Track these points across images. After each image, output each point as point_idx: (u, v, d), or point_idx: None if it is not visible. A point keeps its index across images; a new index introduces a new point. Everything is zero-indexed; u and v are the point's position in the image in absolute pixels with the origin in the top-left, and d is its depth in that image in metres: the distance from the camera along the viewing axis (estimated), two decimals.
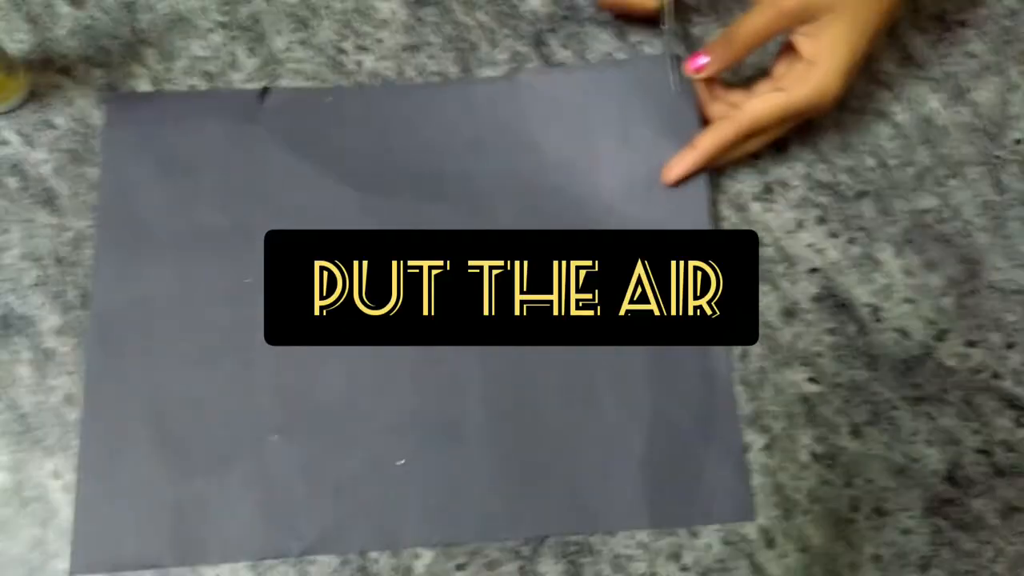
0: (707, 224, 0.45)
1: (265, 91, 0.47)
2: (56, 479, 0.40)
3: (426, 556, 0.40)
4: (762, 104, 0.42)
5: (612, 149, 0.46)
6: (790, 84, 0.42)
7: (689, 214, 0.45)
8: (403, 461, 0.40)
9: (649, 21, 0.48)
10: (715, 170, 0.46)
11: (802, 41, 0.42)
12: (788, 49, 0.44)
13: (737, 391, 0.43)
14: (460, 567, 0.40)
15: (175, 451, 0.40)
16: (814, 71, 0.41)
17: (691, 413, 0.42)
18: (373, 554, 0.39)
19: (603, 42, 0.50)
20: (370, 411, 0.41)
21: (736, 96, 0.45)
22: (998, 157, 0.48)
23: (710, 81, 0.45)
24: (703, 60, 0.43)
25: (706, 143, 0.43)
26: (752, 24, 0.42)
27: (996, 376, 0.44)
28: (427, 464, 0.41)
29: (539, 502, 0.40)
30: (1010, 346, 0.44)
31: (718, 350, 0.43)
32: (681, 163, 0.44)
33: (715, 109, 0.45)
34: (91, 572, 0.38)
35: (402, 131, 0.47)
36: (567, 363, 0.42)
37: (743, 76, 0.48)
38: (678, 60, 0.46)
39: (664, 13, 0.46)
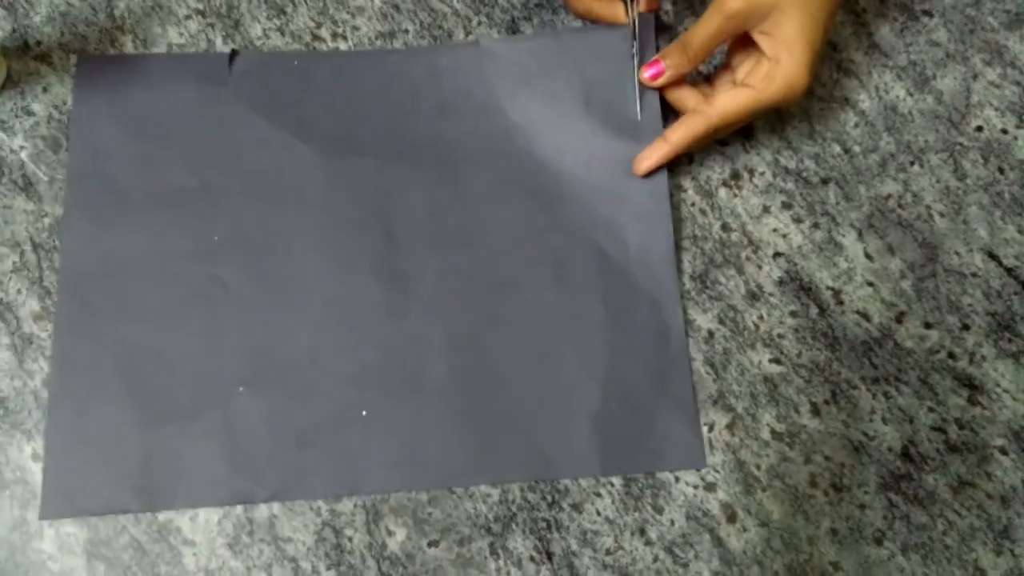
0: (665, 186, 0.46)
1: (234, 54, 0.48)
2: (36, 461, 0.41)
3: (399, 533, 0.41)
4: (732, 100, 0.43)
5: (574, 113, 0.47)
6: (757, 82, 0.43)
7: (649, 177, 0.46)
8: (365, 412, 0.42)
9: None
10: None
11: (761, 39, 0.43)
12: (746, 43, 0.45)
13: (702, 371, 0.44)
14: (432, 543, 0.41)
15: (143, 401, 0.41)
16: (779, 69, 0.42)
17: (645, 366, 0.44)
18: (348, 531, 0.41)
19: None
20: (334, 365, 0.43)
21: (703, 88, 0.46)
22: (960, 144, 0.50)
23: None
24: (659, 68, 0.44)
25: (677, 136, 0.45)
26: (702, 31, 0.43)
27: (952, 356, 0.45)
28: (390, 414, 0.42)
29: (498, 451, 0.42)
30: (965, 328, 0.46)
31: (672, 306, 0.45)
32: (653, 155, 0.45)
33: (681, 94, 0.46)
34: (59, 516, 0.39)
35: (369, 96, 0.48)
36: (527, 320, 0.44)
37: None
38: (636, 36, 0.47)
39: (632, 23, 0.47)
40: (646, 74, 0.45)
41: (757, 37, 0.43)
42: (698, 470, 0.43)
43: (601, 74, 0.48)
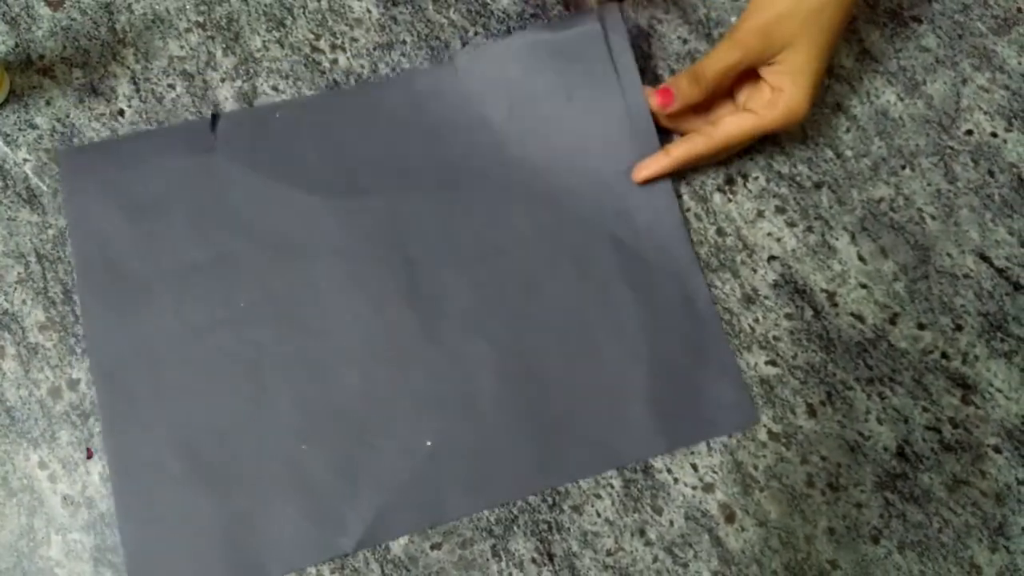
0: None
1: (215, 118, 0.48)
2: (43, 469, 0.41)
3: (402, 537, 0.41)
4: (736, 125, 0.44)
5: (559, 110, 0.48)
6: (760, 108, 0.44)
7: (645, 153, 0.47)
8: (430, 442, 0.42)
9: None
10: None
11: (764, 69, 0.44)
12: (749, 73, 0.46)
13: None
14: (435, 546, 0.41)
15: (210, 479, 0.41)
16: (782, 97, 0.44)
17: (682, 339, 0.45)
18: None
19: None
20: (388, 401, 0.43)
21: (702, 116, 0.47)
22: (950, 148, 0.51)
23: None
24: (670, 97, 0.45)
25: (679, 153, 0.45)
26: (716, 64, 0.44)
27: (945, 357, 0.46)
28: (453, 439, 0.42)
29: (564, 451, 0.43)
30: (958, 328, 0.47)
31: (693, 275, 0.46)
32: (652, 166, 0.46)
33: (677, 114, 0.47)
34: None
35: (356, 134, 0.48)
36: (561, 319, 0.45)
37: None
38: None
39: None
40: (656, 101, 0.46)
41: (761, 69, 0.44)
42: (747, 430, 0.44)
43: (578, 68, 0.48)
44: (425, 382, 0.43)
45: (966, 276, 0.48)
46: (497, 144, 0.48)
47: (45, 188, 0.46)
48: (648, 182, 0.47)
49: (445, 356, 0.44)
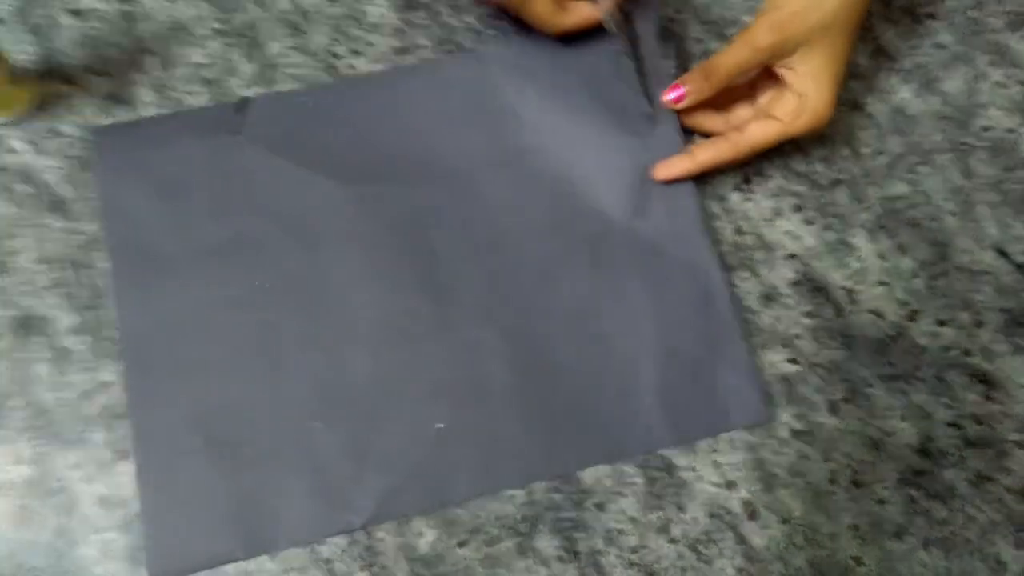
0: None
1: (244, 102, 0.49)
2: (77, 470, 0.42)
3: (429, 534, 0.42)
4: (762, 132, 0.45)
5: (581, 102, 0.49)
6: (785, 115, 0.44)
7: (666, 149, 0.48)
8: (441, 425, 0.43)
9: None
10: None
11: (786, 74, 0.44)
12: (769, 75, 0.46)
13: None
14: (461, 544, 0.42)
15: (226, 454, 0.42)
16: (806, 103, 0.44)
17: (695, 332, 0.45)
18: (379, 533, 0.42)
19: None
20: (400, 385, 0.44)
21: (716, 99, 0.47)
22: (966, 144, 0.51)
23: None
24: (680, 92, 0.46)
25: (704, 158, 0.46)
26: (729, 60, 0.44)
27: (966, 353, 0.46)
28: (463, 423, 0.43)
29: (572, 439, 0.43)
30: (979, 324, 0.47)
31: (712, 271, 0.46)
32: (675, 167, 0.46)
33: (696, 114, 0.47)
34: None
35: (381, 120, 0.49)
36: (573, 309, 0.45)
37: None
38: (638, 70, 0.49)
39: (608, 25, 0.48)
40: (668, 96, 0.46)
41: (781, 71, 0.44)
42: (761, 424, 0.44)
43: (602, 62, 0.49)
44: (437, 367, 0.44)
45: (985, 272, 0.48)
46: (519, 134, 0.48)
47: (72, 195, 0.46)
48: (669, 182, 0.47)
49: (458, 343, 0.44)
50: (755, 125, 0.45)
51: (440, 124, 0.49)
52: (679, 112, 0.47)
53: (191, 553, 0.41)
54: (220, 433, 0.42)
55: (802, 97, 0.44)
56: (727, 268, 0.47)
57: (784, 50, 0.43)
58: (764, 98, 0.46)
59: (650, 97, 0.48)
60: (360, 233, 0.46)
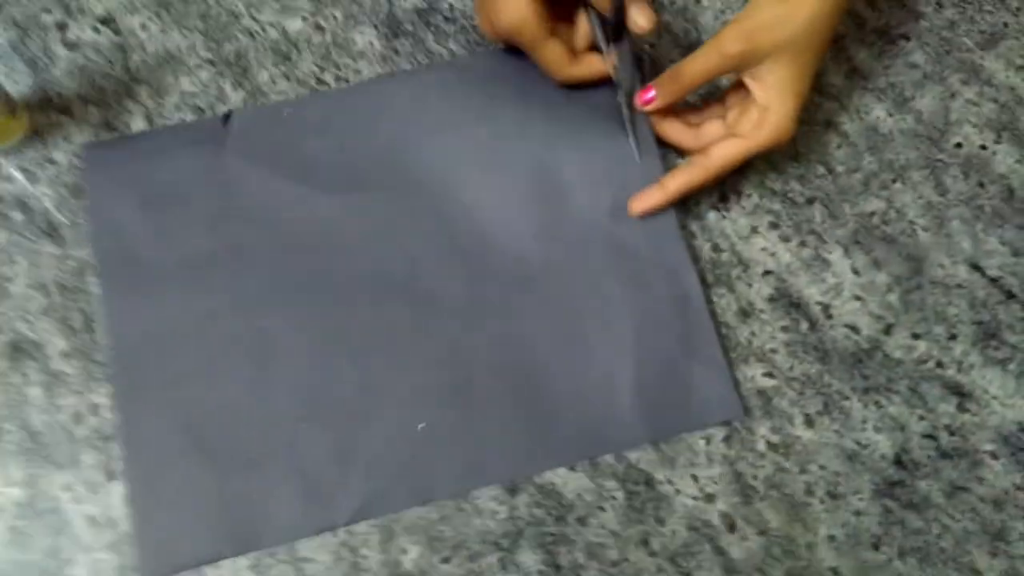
0: (659, 163, 0.49)
1: (228, 115, 0.50)
2: (67, 491, 0.43)
3: (413, 551, 0.43)
4: (727, 151, 0.46)
5: (561, 111, 0.50)
6: (748, 131, 0.45)
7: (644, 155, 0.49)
8: (423, 425, 0.44)
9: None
10: None
11: (751, 84, 0.45)
12: (739, 85, 0.47)
13: None
14: (445, 560, 0.43)
15: (214, 456, 0.43)
16: (769, 117, 0.45)
17: (671, 333, 0.46)
18: (364, 550, 0.43)
19: None
20: (384, 388, 0.45)
21: (690, 116, 0.49)
22: (940, 161, 0.52)
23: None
24: (651, 94, 0.47)
25: (674, 186, 0.47)
26: (697, 66, 0.45)
27: (940, 365, 0.47)
28: (445, 424, 0.44)
29: (552, 438, 0.44)
30: (952, 337, 0.48)
31: (688, 275, 0.47)
32: (649, 200, 0.48)
33: (667, 126, 0.48)
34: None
35: (360, 128, 0.50)
36: (552, 312, 0.47)
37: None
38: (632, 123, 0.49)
39: (616, 81, 0.48)
40: (640, 99, 0.47)
41: (748, 81, 0.45)
42: (735, 422, 0.45)
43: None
44: (419, 370, 0.45)
45: (959, 286, 0.49)
46: (499, 140, 0.49)
47: (65, 221, 0.48)
48: (645, 215, 0.48)
49: (439, 346, 0.46)
50: (718, 146, 0.46)
51: (419, 131, 0.50)
52: (651, 117, 0.48)
53: (180, 552, 0.42)
54: (208, 436, 0.43)
55: (764, 111, 0.45)
56: (706, 284, 0.48)
57: (751, 59, 0.44)
58: (731, 115, 0.47)
59: (634, 127, 0.49)
60: (343, 241, 0.48)
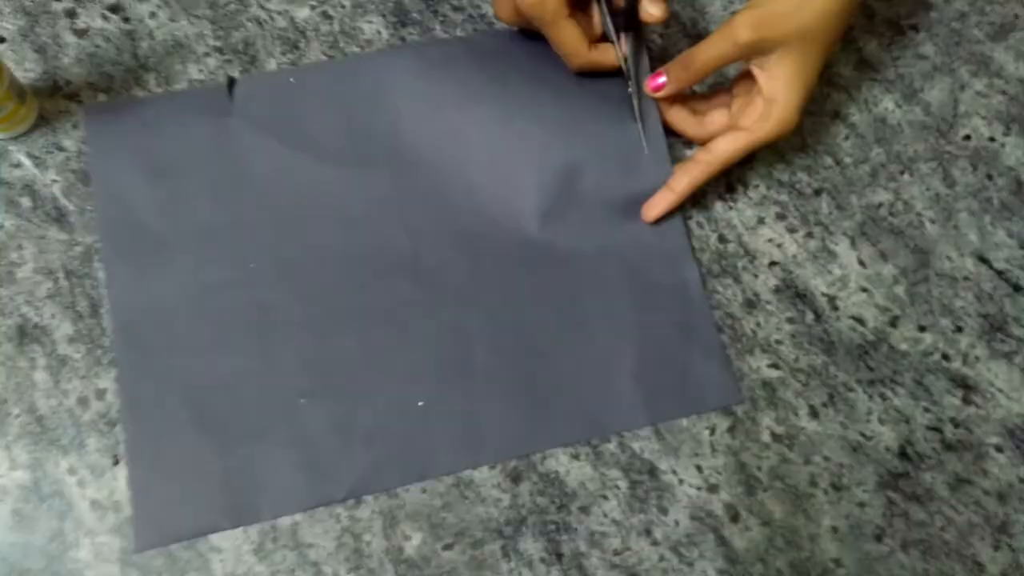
0: (665, 151, 0.49)
1: (232, 82, 0.50)
2: (72, 475, 0.43)
3: (415, 537, 0.43)
4: (730, 145, 0.46)
5: (566, 93, 0.49)
6: (752, 123, 0.45)
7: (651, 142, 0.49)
8: (423, 402, 0.44)
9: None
10: None
11: (759, 74, 0.45)
12: (746, 74, 0.47)
13: None
14: (447, 547, 0.43)
15: (214, 428, 0.43)
16: (774, 108, 0.44)
17: (671, 321, 0.47)
18: (367, 536, 0.43)
19: None
20: (384, 364, 0.45)
21: (695, 104, 0.49)
22: (948, 153, 0.52)
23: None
24: (661, 80, 0.47)
25: (682, 186, 0.47)
26: (708, 53, 0.45)
27: (946, 358, 0.47)
28: (445, 401, 0.45)
29: (551, 418, 0.45)
30: (958, 330, 0.47)
31: (688, 262, 0.48)
32: (660, 204, 0.48)
33: (673, 113, 0.48)
34: (154, 546, 0.42)
35: (366, 101, 0.50)
36: (553, 294, 0.47)
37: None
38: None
39: (626, 71, 0.48)
40: (649, 85, 0.47)
41: (756, 71, 0.45)
42: (732, 407, 0.45)
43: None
44: (420, 347, 0.45)
45: (966, 278, 0.49)
46: (506, 120, 0.49)
47: (72, 207, 0.48)
48: (660, 220, 0.48)
49: (440, 323, 0.46)
50: (721, 140, 0.46)
51: (425, 105, 0.50)
52: (659, 104, 0.48)
53: (177, 523, 0.42)
54: (208, 407, 0.44)
55: (770, 102, 0.44)
56: (712, 274, 0.48)
57: (763, 48, 0.44)
58: (736, 104, 0.47)
59: (643, 118, 0.49)
60: (346, 216, 0.48)
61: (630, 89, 0.48)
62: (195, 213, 0.47)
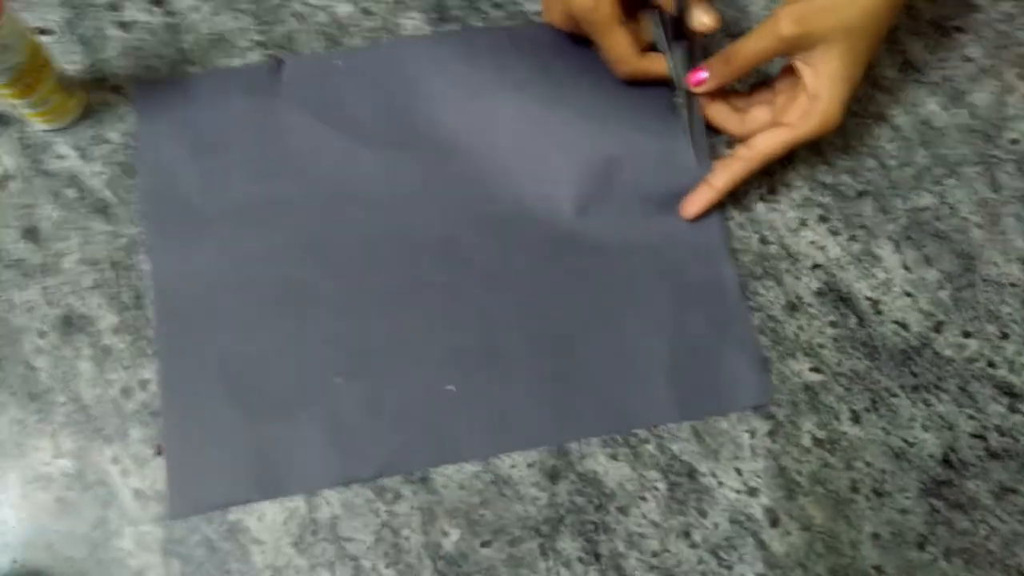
0: (706, 145, 0.48)
1: (279, 63, 0.51)
2: (115, 464, 0.43)
3: (454, 534, 0.43)
4: (772, 141, 0.45)
5: (615, 86, 0.49)
6: (794, 119, 0.45)
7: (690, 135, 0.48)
8: (453, 387, 0.45)
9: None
10: None
11: (803, 70, 0.44)
12: (789, 71, 0.46)
13: None
14: (485, 544, 0.43)
15: (249, 402, 0.44)
16: (817, 105, 0.44)
17: (706, 318, 0.46)
18: (405, 531, 0.43)
19: None
20: (417, 347, 0.45)
21: (737, 101, 0.48)
22: (994, 156, 0.51)
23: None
24: (703, 75, 0.46)
25: (721, 182, 0.46)
26: (750, 48, 0.44)
27: (991, 365, 0.46)
28: (475, 386, 0.45)
29: (580, 410, 0.45)
30: (1004, 336, 0.47)
31: (722, 257, 0.47)
32: (700, 200, 0.47)
33: (714, 110, 0.48)
34: (187, 515, 0.42)
35: (411, 86, 0.50)
36: (587, 286, 0.47)
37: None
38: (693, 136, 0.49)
39: (675, 81, 0.48)
40: (691, 79, 0.47)
41: (800, 66, 0.44)
42: (764, 407, 0.45)
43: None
44: (451, 332, 0.46)
45: (1012, 284, 0.48)
46: (544, 107, 0.49)
47: (116, 200, 0.48)
48: (699, 217, 0.48)
49: (473, 310, 0.46)
50: (762, 136, 0.45)
51: (467, 92, 0.50)
52: (701, 98, 0.48)
53: (210, 493, 0.42)
54: (244, 382, 0.44)
55: (814, 99, 0.44)
56: (754, 276, 0.48)
57: (806, 43, 0.43)
58: (780, 100, 0.46)
59: (692, 128, 0.48)
60: (385, 200, 0.48)
61: (679, 99, 0.48)
62: (235, 189, 0.48)
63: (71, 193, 0.48)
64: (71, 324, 0.46)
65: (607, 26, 0.45)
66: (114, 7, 0.52)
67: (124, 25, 0.52)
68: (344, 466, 0.43)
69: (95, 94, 0.50)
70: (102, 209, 0.48)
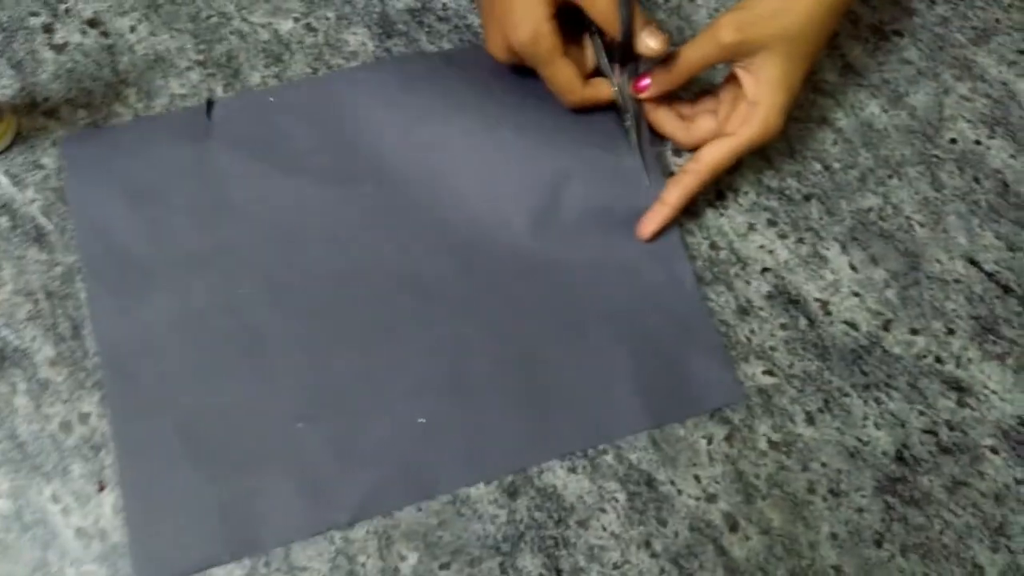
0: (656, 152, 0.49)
1: (210, 104, 0.49)
2: (55, 503, 0.42)
3: (411, 557, 0.42)
4: (717, 152, 0.45)
5: (556, 105, 0.48)
6: (736, 127, 0.45)
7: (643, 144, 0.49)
8: (423, 419, 0.43)
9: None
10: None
11: (744, 77, 0.45)
12: (732, 79, 0.46)
13: None
14: (444, 566, 0.42)
15: (210, 457, 0.42)
16: (757, 112, 0.44)
17: (667, 320, 0.46)
18: (361, 557, 0.42)
19: None
20: (382, 382, 0.44)
21: (682, 108, 0.49)
22: (935, 156, 0.52)
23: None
24: (646, 82, 0.46)
25: (674, 198, 0.46)
26: (692, 55, 0.45)
27: (939, 361, 0.47)
28: (446, 416, 0.44)
29: (554, 428, 0.44)
30: (950, 332, 0.48)
31: (679, 259, 0.47)
32: (655, 219, 0.47)
33: (661, 118, 0.48)
34: None
35: (347, 117, 0.49)
36: (547, 301, 0.46)
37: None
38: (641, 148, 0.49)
39: (621, 105, 0.48)
40: (634, 86, 0.47)
41: (740, 74, 0.45)
42: (735, 405, 0.45)
43: None
44: (418, 363, 0.45)
45: (956, 281, 0.49)
46: (489, 128, 0.48)
47: (52, 227, 0.47)
48: (656, 236, 0.47)
49: (437, 337, 0.45)
50: (707, 149, 0.46)
51: (409, 119, 0.49)
52: (647, 105, 0.48)
53: (176, 558, 0.41)
54: (203, 437, 0.42)
55: (754, 105, 0.44)
56: (704, 282, 0.48)
57: (746, 50, 0.43)
58: (723, 109, 0.47)
59: (642, 151, 0.48)
60: (335, 234, 0.47)
61: (627, 123, 0.48)
62: (178, 239, 0.46)
63: (4, 221, 0.47)
64: (5, 358, 0.44)
65: (549, 59, 0.45)
66: (47, 29, 0.51)
67: (57, 47, 0.51)
68: (317, 516, 0.42)
69: (28, 119, 0.49)
70: (37, 237, 0.46)
